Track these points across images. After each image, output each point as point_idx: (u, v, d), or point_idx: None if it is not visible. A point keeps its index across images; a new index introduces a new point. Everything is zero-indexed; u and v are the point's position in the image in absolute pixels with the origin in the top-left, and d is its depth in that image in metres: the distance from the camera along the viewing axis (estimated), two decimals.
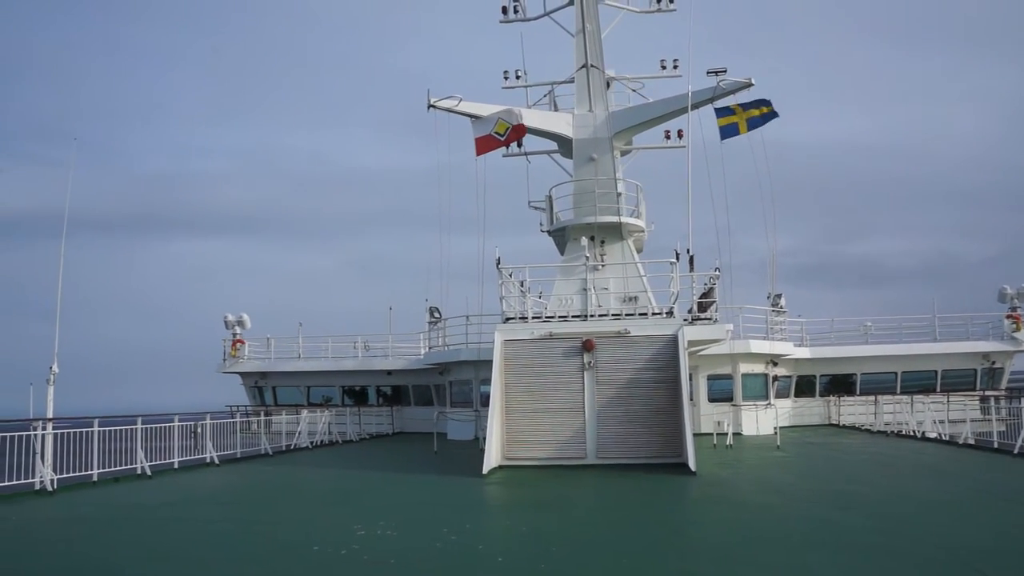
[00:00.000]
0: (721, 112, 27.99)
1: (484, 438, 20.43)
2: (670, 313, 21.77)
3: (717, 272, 24.17)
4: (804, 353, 35.01)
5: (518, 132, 27.71)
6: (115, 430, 19.27)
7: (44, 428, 17.29)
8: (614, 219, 29.06)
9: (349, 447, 29.80)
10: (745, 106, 27.92)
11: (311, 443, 29.12)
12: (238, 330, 38.56)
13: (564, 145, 31.52)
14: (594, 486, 17.26)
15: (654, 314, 22.03)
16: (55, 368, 18.21)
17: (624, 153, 33.25)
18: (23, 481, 16.51)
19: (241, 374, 39.19)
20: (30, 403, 17.77)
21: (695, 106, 28.29)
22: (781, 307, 34.37)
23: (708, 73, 28.33)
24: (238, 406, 35.67)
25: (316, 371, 38.28)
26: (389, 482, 18.78)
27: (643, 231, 31.28)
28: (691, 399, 21.70)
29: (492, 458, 19.63)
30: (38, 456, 16.98)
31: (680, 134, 31.99)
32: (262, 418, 28.13)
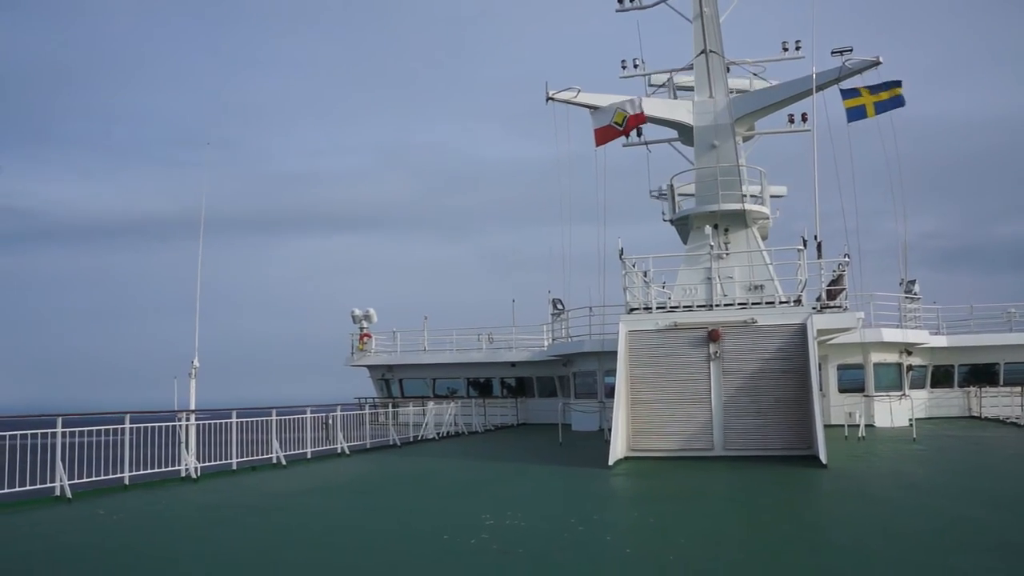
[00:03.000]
0: (847, 94, 26.88)
1: (609, 429, 20.36)
2: (798, 301, 21.19)
3: (847, 258, 23.34)
4: (941, 341, 33.45)
5: (637, 120, 27.39)
6: (251, 421, 20.08)
7: (188, 419, 18.17)
8: (737, 206, 28.39)
9: (475, 438, 30.17)
10: (873, 89, 26.73)
11: (437, 434, 29.63)
12: (365, 324, 39.55)
13: (685, 133, 30.94)
14: (722, 478, 16.95)
15: (781, 303, 21.50)
16: (196, 363, 19.06)
17: (747, 139, 32.42)
18: (170, 468, 17.41)
19: (368, 367, 40.20)
20: (174, 396, 18.68)
21: (820, 88, 27.27)
22: (915, 294, 32.96)
23: (833, 53, 27.28)
24: (366, 398, 36.66)
25: (441, 363, 38.91)
26: (515, 473, 18.91)
27: (768, 218, 30.44)
28: (820, 389, 21.01)
29: (618, 449, 19.53)
30: (183, 445, 17.86)
31: (804, 117, 30.96)
32: (390, 410, 28.76)
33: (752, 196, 29.32)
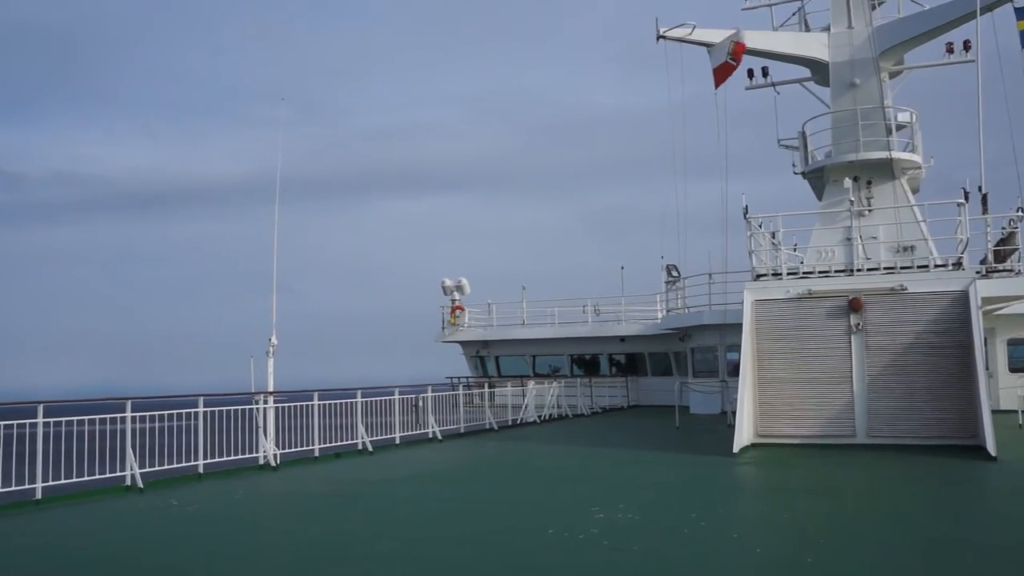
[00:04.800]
0: (1023, 12, 25.52)
1: (733, 412, 20.12)
2: (958, 264, 20.44)
3: (1019, 213, 22.38)
4: None
5: (739, 50, 26.68)
6: (334, 404, 20.42)
7: (265, 402, 18.58)
8: (883, 155, 27.45)
9: (580, 421, 30.21)
10: None
11: (539, 417, 29.73)
12: (457, 296, 39.91)
13: (819, 71, 30.07)
14: (866, 470, 16.54)
15: (937, 266, 20.78)
16: (274, 340, 19.44)
17: (894, 75, 31.20)
18: (247, 456, 17.87)
19: (461, 343, 40.61)
20: (251, 376, 19.07)
21: (986, 8, 26.01)
22: None
23: None
24: (459, 377, 37.05)
25: (542, 339, 39.02)
26: (627, 460, 18.82)
27: (919, 167, 29.36)
28: (987, 368, 20.28)
29: (744, 435, 19.31)
30: (260, 431, 18.28)
31: (967, 45, 29.57)
32: (485, 390, 28.97)
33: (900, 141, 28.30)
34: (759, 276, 21.56)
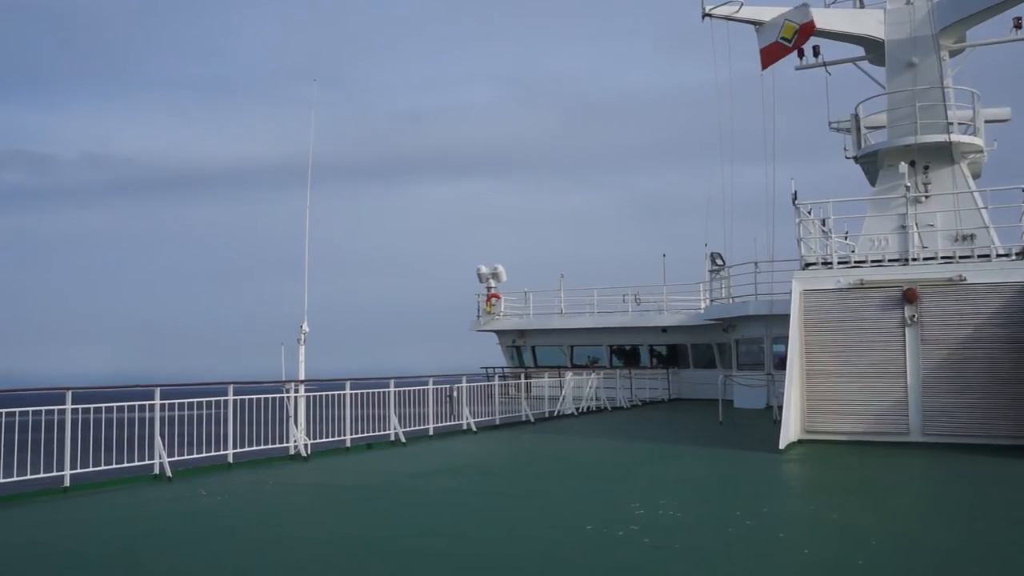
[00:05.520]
0: None
1: (779, 407, 20.00)
2: (1021, 254, 20.17)
3: None
4: None
5: (808, 32, 26.34)
6: (367, 393, 20.55)
7: (296, 390, 18.72)
8: (941, 138, 27.07)
9: (619, 414, 30.19)
10: None
11: (576, 409, 29.82)
12: (493, 283, 39.91)
13: (874, 50, 29.65)
14: (921, 469, 16.42)
15: (999, 256, 20.49)
16: (305, 327, 19.54)
17: (954, 53, 30.71)
18: (278, 445, 18.02)
19: (497, 332, 40.65)
20: (282, 364, 19.22)
21: None
22: None
23: None
24: (495, 368, 37.10)
25: (580, 328, 38.98)
26: (668, 455, 18.80)
27: (981, 151, 28.90)
28: None
29: (790, 431, 19.20)
30: (291, 420, 18.43)
31: None
32: (522, 381, 28.99)
33: (961, 124, 27.82)
34: (808, 265, 21.40)
